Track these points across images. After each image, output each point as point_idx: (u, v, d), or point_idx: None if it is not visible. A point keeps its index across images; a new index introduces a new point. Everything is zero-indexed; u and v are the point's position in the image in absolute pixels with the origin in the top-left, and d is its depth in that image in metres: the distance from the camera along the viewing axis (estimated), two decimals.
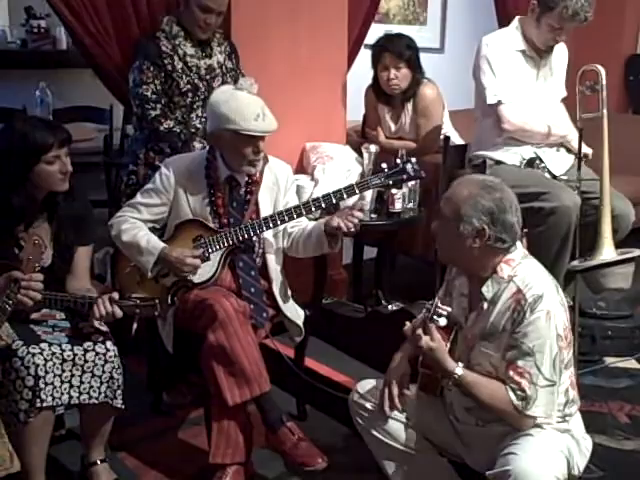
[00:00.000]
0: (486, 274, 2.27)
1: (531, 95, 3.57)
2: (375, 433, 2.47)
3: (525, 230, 3.43)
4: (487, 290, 2.26)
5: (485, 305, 2.27)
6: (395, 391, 2.38)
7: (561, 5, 3.33)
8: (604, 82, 3.36)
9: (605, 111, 3.37)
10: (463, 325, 2.35)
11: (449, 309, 2.30)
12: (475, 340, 2.30)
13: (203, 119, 3.30)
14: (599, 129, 3.37)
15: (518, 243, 2.31)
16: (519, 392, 2.17)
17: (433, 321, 2.25)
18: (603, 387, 3.29)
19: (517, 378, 2.17)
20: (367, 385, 2.54)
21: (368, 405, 2.48)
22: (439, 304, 2.29)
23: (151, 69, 3.28)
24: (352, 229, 2.69)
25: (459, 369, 2.22)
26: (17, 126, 2.56)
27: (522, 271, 2.25)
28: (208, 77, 3.36)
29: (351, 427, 2.80)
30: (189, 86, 3.33)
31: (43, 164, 2.49)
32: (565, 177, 3.53)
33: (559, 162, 3.61)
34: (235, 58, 3.49)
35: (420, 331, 2.24)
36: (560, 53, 3.67)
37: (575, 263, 3.29)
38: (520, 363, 2.17)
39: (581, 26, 3.42)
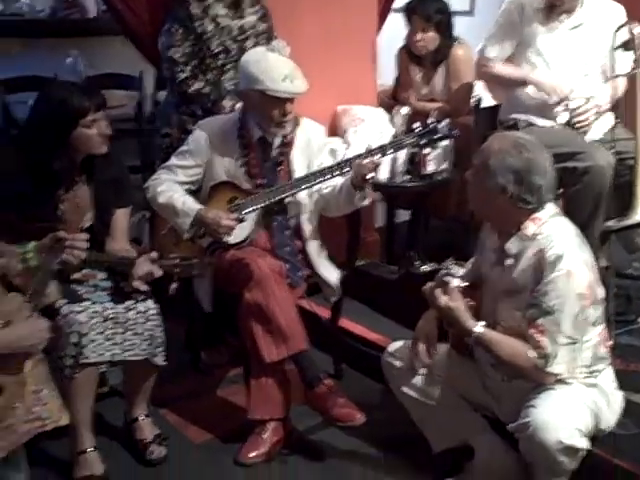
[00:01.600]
0: (511, 230, 2.28)
1: (551, 58, 3.50)
2: (407, 391, 2.51)
3: (561, 190, 3.46)
4: (511, 246, 2.28)
5: (509, 261, 2.29)
6: (422, 348, 2.41)
7: None
8: (637, 41, 3.30)
9: (638, 70, 3.32)
10: (489, 280, 2.37)
11: (462, 270, 2.35)
12: (500, 296, 2.32)
13: (234, 81, 3.31)
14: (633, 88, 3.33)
15: (551, 205, 2.31)
16: (539, 350, 2.18)
17: (445, 282, 2.27)
18: (639, 347, 3.29)
19: (538, 336, 2.18)
20: (398, 345, 2.58)
21: (398, 364, 2.51)
22: (451, 265, 2.34)
23: (180, 32, 3.29)
24: (370, 171, 2.71)
25: (478, 327, 2.24)
26: (53, 92, 2.60)
27: (547, 229, 2.26)
28: (240, 38, 3.36)
29: (386, 384, 2.86)
30: (220, 48, 3.33)
31: (82, 128, 2.53)
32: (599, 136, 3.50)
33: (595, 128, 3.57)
34: (268, 21, 3.48)
35: (438, 291, 2.27)
36: (609, 13, 3.44)
37: (610, 223, 3.26)
38: (540, 321, 2.18)
39: None
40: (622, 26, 3.28)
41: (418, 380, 2.50)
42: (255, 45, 3.35)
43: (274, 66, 2.72)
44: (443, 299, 2.26)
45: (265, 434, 2.73)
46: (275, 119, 2.77)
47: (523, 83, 3.42)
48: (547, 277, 2.18)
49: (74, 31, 6.23)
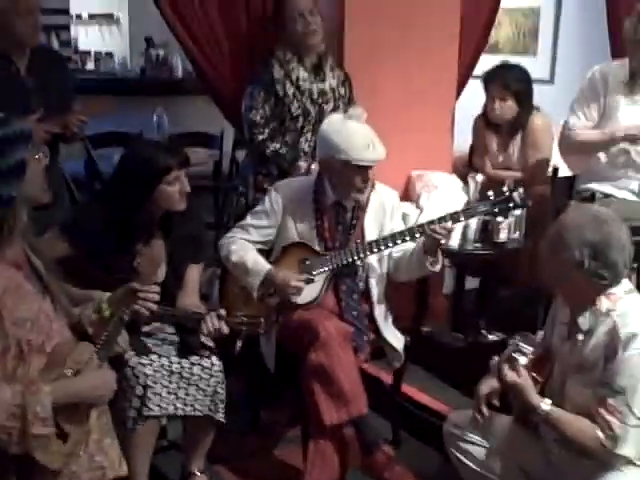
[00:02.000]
0: (585, 304, 2.23)
1: (631, 120, 3.46)
2: (468, 462, 2.46)
3: (635, 264, 3.38)
4: (584, 321, 2.23)
5: (580, 336, 2.24)
6: (483, 401, 2.39)
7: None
8: None
9: None
10: (559, 354, 2.33)
11: (531, 348, 2.29)
12: (569, 371, 2.27)
13: (312, 143, 3.39)
14: None
15: (627, 282, 2.27)
16: (608, 431, 2.12)
17: (513, 359, 2.24)
18: None
19: (607, 416, 2.12)
20: (461, 414, 2.54)
21: (460, 433, 2.48)
22: (521, 342, 2.29)
23: (261, 94, 3.41)
24: (443, 237, 2.74)
25: (545, 405, 2.20)
26: (140, 149, 2.72)
27: (622, 306, 2.21)
28: (320, 101, 3.46)
29: (445, 454, 2.81)
30: (300, 110, 3.43)
31: (164, 185, 2.61)
32: None
33: None
34: (348, 86, 3.57)
35: (506, 367, 2.23)
36: None
37: None
38: (611, 401, 2.12)
39: None
40: None
41: (479, 452, 2.45)
42: (334, 108, 3.44)
43: (356, 135, 2.77)
44: (510, 375, 2.22)
45: None
46: (357, 185, 2.81)
47: (612, 142, 3.42)
48: (620, 356, 2.12)
49: (161, 90, 6.52)
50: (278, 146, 3.41)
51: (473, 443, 2.47)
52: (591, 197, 3.59)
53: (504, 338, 3.37)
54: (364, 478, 2.78)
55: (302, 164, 3.40)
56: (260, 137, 3.42)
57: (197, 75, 3.73)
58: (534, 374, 2.30)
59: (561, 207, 3.68)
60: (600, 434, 2.12)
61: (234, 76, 3.62)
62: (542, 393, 2.26)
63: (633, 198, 3.48)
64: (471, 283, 4.10)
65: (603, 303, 2.21)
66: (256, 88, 3.43)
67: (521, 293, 4.06)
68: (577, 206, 2.31)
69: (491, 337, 3.60)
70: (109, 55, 7.96)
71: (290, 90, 3.42)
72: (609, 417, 2.12)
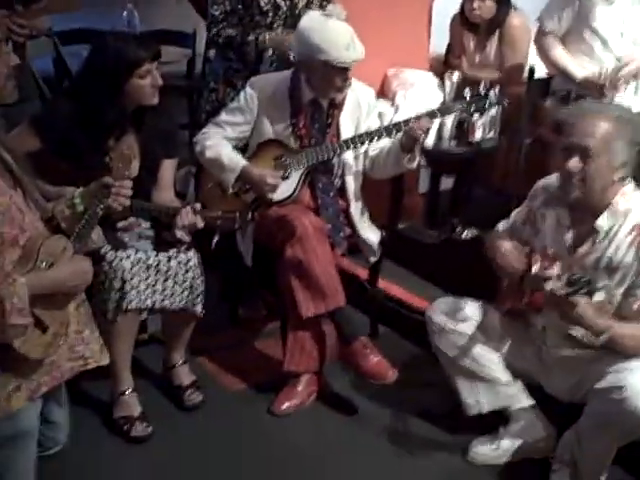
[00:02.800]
0: (601, 206, 2.28)
1: (606, 27, 3.48)
2: (449, 351, 2.55)
3: None
4: (602, 223, 2.28)
5: (599, 237, 2.29)
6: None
7: None
8: None
9: None
10: (565, 256, 2.36)
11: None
12: (586, 272, 2.29)
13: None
14: None
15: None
16: None
17: (590, 295, 2.19)
18: None
19: None
20: (446, 302, 2.62)
21: (446, 322, 2.55)
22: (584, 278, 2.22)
23: None
24: (422, 133, 2.75)
25: (609, 324, 2.21)
26: (110, 42, 2.65)
27: (637, 205, 2.28)
28: None
29: (421, 346, 2.90)
30: (269, 5, 3.31)
31: (136, 78, 2.57)
32: None
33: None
34: None
35: (577, 298, 2.18)
36: None
37: None
38: None
39: None
40: None
41: (463, 340, 2.53)
42: (308, 3, 3.34)
43: (336, 34, 2.73)
44: (582, 307, 2.17)
45: (299, 386, 2.81)
46: (336, 85, 2.79)
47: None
48: None
49: None
50: (230, 31, 3.31)
51: (456, 332, 2.54)
52: (567, 96, 3.60)
53: (477, 235, 3.43)
54: (343, 368, 2.86)
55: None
56: (214, 30, 3.33)
57: None
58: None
59: (537, 107, 3.72)
60: None
61: None
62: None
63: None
64: (446, 184, 4.12)
65: (620, 203, 2.27)
66: None
67: (495, 192, 4.11)
68: (595, 113, 2.28)
69: (465, 234, 3.64)
70: None
71: None
72: None
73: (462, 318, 2.55)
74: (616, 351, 2.26)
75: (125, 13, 4.76)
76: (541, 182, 2.56)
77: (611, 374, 2.24)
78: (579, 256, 2.34)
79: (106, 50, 2.64)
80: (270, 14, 3.33)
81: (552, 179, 2.48)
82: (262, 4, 3.31)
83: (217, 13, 3.33)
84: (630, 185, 2.30)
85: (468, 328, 2.54)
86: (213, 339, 3.16)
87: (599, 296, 2.23)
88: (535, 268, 2.35)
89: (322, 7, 3.27)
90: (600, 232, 2.29)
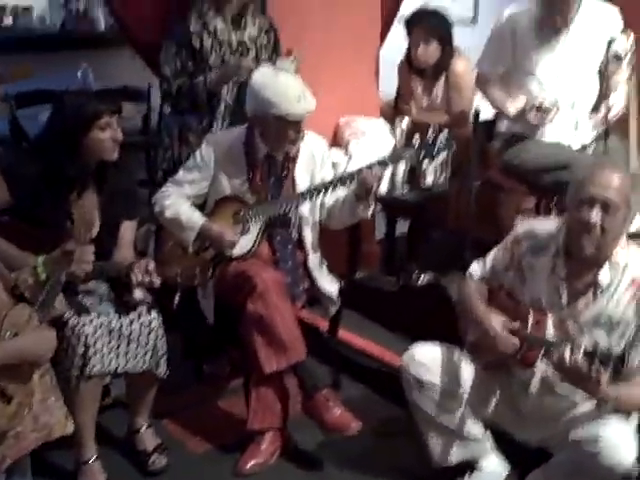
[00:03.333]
0: (602, 259, 2.29)
1: (542, 68, 3.54)
2: (422, 404, 2.53)
3: (555, 201, 3.52)
4: (604, 277, 2.29)
5: (598, 293, 2.30)
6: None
7: None
8: (629, 45, 3.35)
9: (634, 78, 3.38)
10: (558, 309, 2.37)
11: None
12: (581, 328, 2.32)
13: (233, 92, 3.39)
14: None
15: None
16: None
17: (620, 373, 2.17)
18: None
19: None
20: (420, 354, 2.56)
21: (422, 377, 2.52)
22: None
23: (173, 49, 3.39)
24: (375, 182, 2.79)
25: (613, 392, 2.20)
26: (70, 98, 2.71)
27: (633, 259, 2.31)
28: (240, 50, 3.43)
29: (384, 395, 2.92)
30: (218, 61, 3.39)
31: (96, 130, 2.60)
32: (592, 148, 3.55)
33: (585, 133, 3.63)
34: (273, 35, 3.53)
35: (603, 378, 2.15)
36: (601, 19, 3.48)
37: None
38: None
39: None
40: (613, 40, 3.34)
41: (435, 394, 2.51)
42: (256, 58, 3.42)
43: (287, 88, 2.80)
44: (605, 389, 2.16)
45: (263, 444, 2.81)
46: (290, 138, 2.85)
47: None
48: None
49: (84, 44, 6.36)
50: (181, 80, 3.39)
51: (434, 387, 2.52)
52: (511, 138, 3.69)
53: (435, 280, 3.49)
54: (306, 422, 2.86)
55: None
56: (169, 90, 3.43)
57: (120, 28, 3.67)
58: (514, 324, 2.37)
59: (484, 149, 3.82)
60: None
61: (157, 28, 3.55)
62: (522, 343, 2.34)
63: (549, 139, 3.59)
64: (402, 229, 4.19)
65: (619, 254, 2.29)
66: (168, 42, 3.41)
67: (449, 235, 4.19)
68: (611, 166, 2.34)
69: (422, 279, 3.71)
70: (27, 10, 7.70)
71: (208, 42, 3.39)
72: None
73: (436, 372, 2.52)
74: (574, 404, 2.31)
75: (80, 73, 4.81)
76: (523, 227, 2.55)
77: (587, 425, 2.26)
78: (576, 310, 2.35)
79: (67, 105, 2.69)
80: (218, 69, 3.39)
81: (537, 226, 2.50)
82: (211, 61, 3.39)
83: (168, 72, 3.41)
84: (624, 237, 2.32)
85: (443, 383, 2.51)
86: (177, 399, 3.15)
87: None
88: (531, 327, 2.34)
89: (271, 61, 3.37)
90: (602, 286, 2.30)
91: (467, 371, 2.53)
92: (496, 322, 2.40)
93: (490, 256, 2.61)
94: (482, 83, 3.64)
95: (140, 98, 5.29)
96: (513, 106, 3.51)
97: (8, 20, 6.74)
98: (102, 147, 2.64)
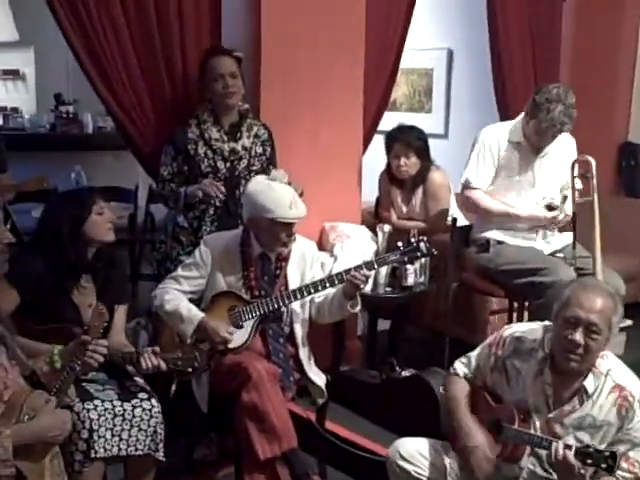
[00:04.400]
0: (591, 367, 2.44)
1: (522, 184, 3.89)
2: None
3: (526, 303, 3.76)
4: (589, 384, 2.43)
5: (584, 398, 2.45)
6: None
7: (539, 117, 3.68)
8: (594, 171, 3.71)
9: (596, 196, 3.70)
10: (543, 411, 2.49)
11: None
12: (567, 429, 2.46)
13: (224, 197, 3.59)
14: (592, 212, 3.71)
15: None
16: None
17: (611, 472, 2.29)
18: None
19: (631, 468, 2.37)
20: (406, 446, 2.66)
21: (409, 468, 2.61)
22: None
23: (171, 153, 3.61)
24: (362, 283, 3.02)
25: None
26: (64, 193, 2.95)
27: (614, 365, 2.47)
28: (232, 158, 3.63)
29: None
30: (210, 168, 3.60)
31: (94, 215, 2.87)
32: (561, 255, 3.84)
33: (554, 241, 3.92)
34: (270, 145, 3.75)
35: (564, 451, 2.31)
36: (565, 145, 3.92)
37: None
38: (632, 454, 2.39)
39: (559, 134, 3.74)
40: (577, 160, 3.71)
41: None
42: (249, 166, 3.65)
43: (280, 195, 3.06)
44: (577, 468, 2.29)
45: None
46: (282, 240, 3.09)
47: (508, 216, 3.86)
48: (638, 415, 2.40)
49: (72, 145, 6.63)
50: (173, 186, 3.60)
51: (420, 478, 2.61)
52: (486, 244, 3.97)
53: (416, 373, 3.67)
54: None
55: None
56: (164, 192, 3.63)
57: (120, 132, 3.84)
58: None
59: (460, 254, 4.09)
60: None
61: (157, 135, 3.77)
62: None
63: (525, 243, 3.87)
64: (382, 325, 4.40)
65: (601, 364, 2.46)
66: (169, 146, 3.63)
67: (427, 332, 4.40)
68: (598, 289, 2.46)
69: (403, 373, 3.89)
70: (14, 110, 7.98)
71: (202, 149, 3.59)
72: (634, 469, 2.38)
73: (421, 463, 2.61)
74: None
75: (73, 174, 5.03)
76: (508, 330, 2.67)
77: None
78: (562, 414, 2.47)
79: (64, 198, 2.99)
80: (210, 176, 3.60)
81: (522, 330, 2.63)
82: (203, 167, 3.60)
83: (165, 173, 3.63)
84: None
85: (431, 472, 2.59)
86: None
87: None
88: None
89: (264, 170, 3.63)
90: (588, 393, 2.43)
91: (451, 462, 2.61)
92: (478, 440, 2.54)
93: (474, 355, 2.74)
94: (470, 194, 3.95)
95: (127, 197, 5.50)
96: (524, 210, 3.83)
97: None
98: (100, 230, 2.90)
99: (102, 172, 6.18)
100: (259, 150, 3.71)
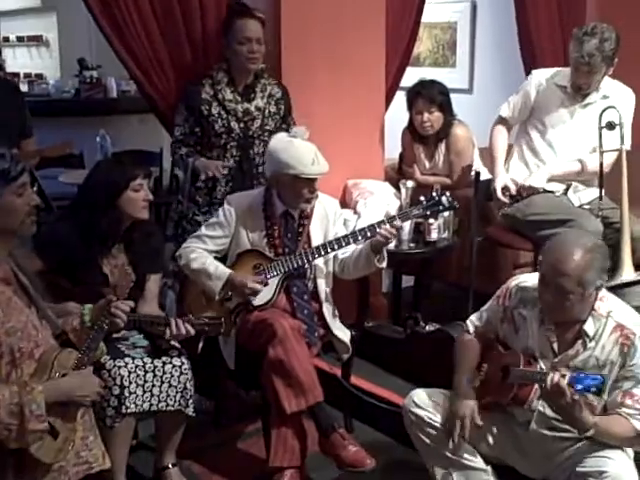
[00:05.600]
0: (584, 314, 2.49)
1: (558, 128, 3.85)
2: (428, 442, 2.70)
3: None
4: (590, 328, 2.48)
5: (587, 341, 2.49)
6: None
7: (572, 49, 3.65)
8: (622, 120, 3.66)
9: (624, 146, 3.66)
10: (549, 356, 2.55)
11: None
12: (572, 372, 2.47)
13: (237, 157, 3.64)
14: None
15: None
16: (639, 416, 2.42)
17: (599, 395, 2.35)
18: None
19: (637, 405, 2.42)
20: (421, 395, 2.75)
21: (422, 415, 2.70)
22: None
23: (184, 113, 3.62)
24: (390, 237, 3.04)
25: (596, 421, 2.38)
26: (108, 161, 2.95)
27: (614, 306, 2.51)
28: (245, 119, 3.63)
29: (395, 438, 3.09)
30: (223, 128, 3.61)
31: (130, 191, 2.87)
32: (588, 206, 3.81)
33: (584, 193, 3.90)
34: (285, 103, 3.76)
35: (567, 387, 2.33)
36: (618, 99, 3.81)
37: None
38: (635, 391, 2.43)
39: (587, 68, 3.66)
40: (607, 108, 3.65)
41: (437, 431, 2.67)
42: (262, 126, 3.66)
43: (302, 151, 3.07)
44: (570, 394, 2.33)
45: None
46: (305, 196, 3.11)
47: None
48: (639, 350, 2.43)
49: (97, 110, 6.67)
50: (185, 150, 3.62)
51: (431, 423, 2.69)
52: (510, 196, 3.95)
53: (440, 327, 3.70)
54: (323, 460, 3.03)
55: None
56: (178, 152, 3.64)
57: (142, 95, 3.86)
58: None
59: (484, 207, 4.08)
60: (635, 423, 2.41)
61: (178, 96, 3.75)
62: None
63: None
64: (407, 282, 4.41)
65: (601, 307, 2.50)
66: (181, 106, 3.64)
67: (452, 288, 4.42)
68: (565, 246, 2.46)
69: (428, 327, 3.92)
70: (39, 77, 8.04)
71: (215, 110, 3.59)
72: (638, 405, 2.42)
73: (437, 410, 2.69)
74: (573, 442, 2.47)
75: (98, 138, 5.06)
76: (514, 282, 2.72)
77: (592, 459, 2.40)
78: (567, 357, 2.52)
79: (106, 167, 2.98)
80: (224, 136, 3.62)
81: (527, 279, 2.67)
82: (216, 127, 3.61)
83: (178, 134, 3.65)
84: (604, 289, 2.53)
85: (443, 420, 2.66)
86: (198, 441, 3.32)
87: (606, 396, 2.38)
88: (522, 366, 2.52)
89: (278, 129, 3.64)
90: (589, 336, 2.48)
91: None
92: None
93: (485, 309, 2.82)
94: (495, 125, 3.98)
95: (153, 160, 5.53)
96: (500, 180, 3.86)
97: (24, 87, 7.07)
98: (135, 206, 2.90)
99: (127, 136, 6.21)
100: (273, 109, 3.71)
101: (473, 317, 2.86)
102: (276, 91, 3.75)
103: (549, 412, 2.54)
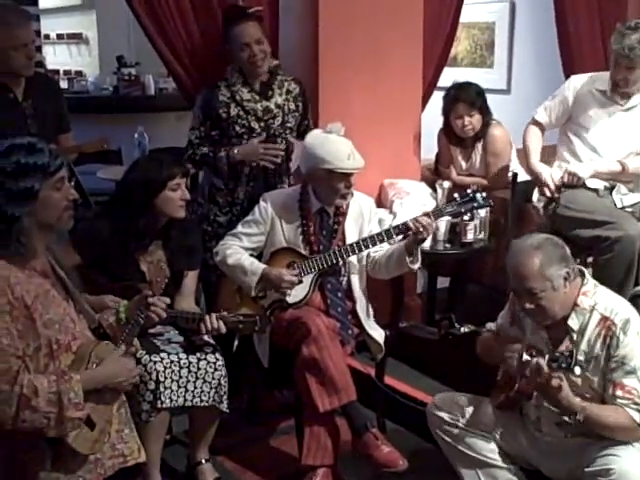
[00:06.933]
0: (567, 309, 2.52)
1: (600, 132, 3.80)
2: (450, 441, 2.75)
3: (591, 259, 3.70)
4: (573, 322, 2.52)
5: (574, 336, 2.52)
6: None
7: (613, 42, 3.62)
8: None
9: None
10: (545, 352, 2.53)
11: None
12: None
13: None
14: None
15: (588, 275, 2.59)
16: (634, 406, 2.42)
17: (570, 369, 2.37)
18: None
19: (628, 395, 2.43)
20: (442, 397, 2.84)
21: (444, 416, 2.76)
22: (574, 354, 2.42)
23: (200, 117, 3.58)
24: (425, 231, 3.01)
25: (584, 405, 2.42)
26: (148, 159, 2.97)
27: (600, 299, 2.53)
28: (266, 118, 3.58)
29: (427, 439, 3.08)
30: (244, 129, 3.56)
31: (168, 190, 2.88)
32: (630, 209, 3.75)
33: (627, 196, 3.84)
34: (302, 100, 3.68)
35: (549, 371, 2.37)
36: None
37: (638, 289, 3.51)
38: (626, 381, 2.43)
39: (627, 61, 3.61)
40: None
41: (460, 431, 2.73)
42: (283, 123, 3.61)
43: (338, 147, 3.07)
44: (556, 379, 2.38)
45: (316, 479, 2.97)
46: (340, 192, 3.10)
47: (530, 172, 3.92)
48: (622, 341, 2.44)
49: (135, 107, 6.73)
50: (205, 149, 3.55)
51: (453, 424, 2.75)
52: (549, 199, 3.90)
53: (474, 329, 3.67)
54: (356, 460, 3.03)
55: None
56: (198, 152, 3.56)
57: (180, 91, 3.88)
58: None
59: (521, 209, 4.04)
60: (632, 412, 2.42)
61: None
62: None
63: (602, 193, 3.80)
64: (442, 283, 4.39)
65: (584, 302, 2.52)
66: (197, 110, 3.60)
67: (488, 290, 4.38)
68: (518, 253, 2.53)
69: (462, 329, 3.90)
70: (78, 74, 8.12)
71: (234, 111, 3.53)
72: (630, 396, 2.42)
73: (458, 411, 2.75)
74: (605, 438, 2.45)
75: (136, 135, 5.10)
76: None
77: (601, 458, 2.42)
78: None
79: (145, 165, 2.98)
80: (245, 137, 3.57)
81: None
82: (237, 129, 3.56)
83: (193, 137, 3.59)
84: (590, 283, 2.55)
85: (464, 420, 2.73)
86: (231, 438, 3.34)
87: (577, 370, 2.39)
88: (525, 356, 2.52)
89: (299, 126, 3.65)
90: (574, 331, 2.52)
91: (485, 410, 2.75)
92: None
93: (501, 314, 2.88)
94: (528, 127, 3.98)
95: None
96: (538, 168, 3.84)
97: (64, 84, 7.16)
98: (172, 205, 2.92)
99: (164, 133, 6.23)
100: (292, 106, 3.65)
101: (491, 323, 2.91)
102: (293, 87, 3.68)
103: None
